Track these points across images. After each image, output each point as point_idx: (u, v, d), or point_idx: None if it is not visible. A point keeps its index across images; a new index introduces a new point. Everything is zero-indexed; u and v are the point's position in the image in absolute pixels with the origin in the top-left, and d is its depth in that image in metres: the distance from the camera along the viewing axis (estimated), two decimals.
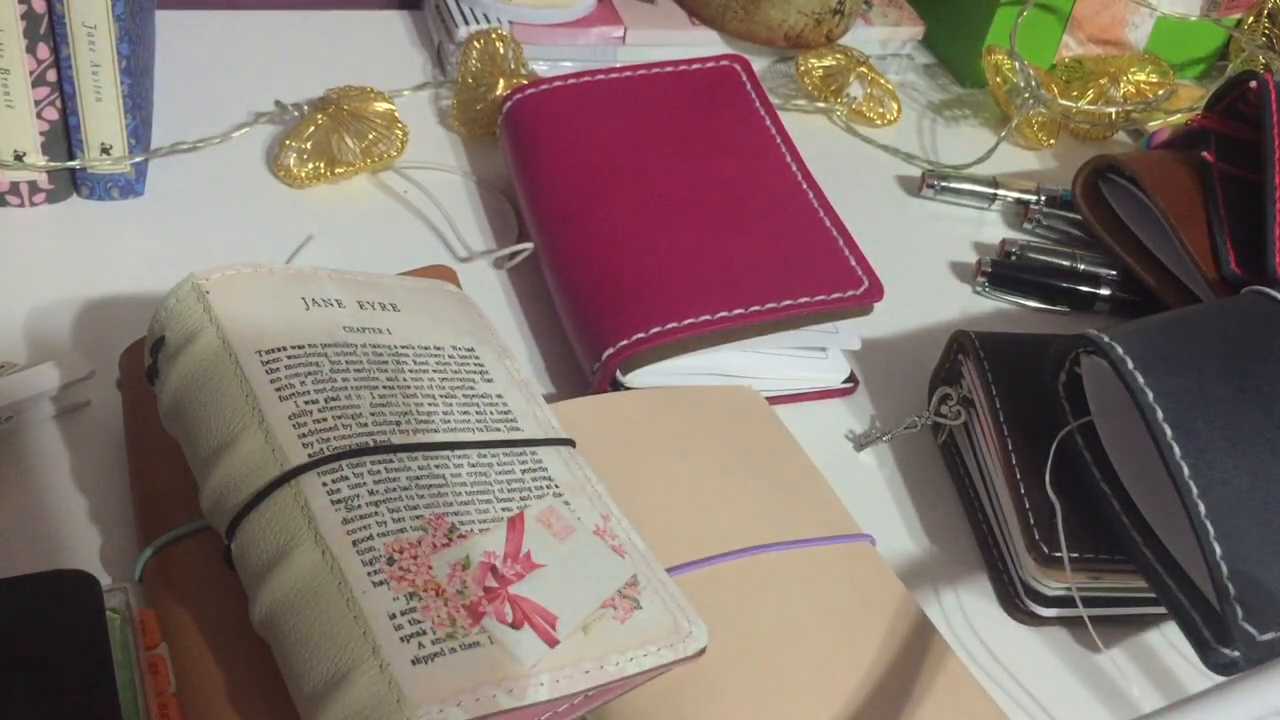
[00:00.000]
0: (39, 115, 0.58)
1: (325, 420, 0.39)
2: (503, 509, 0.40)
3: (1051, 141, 0.83)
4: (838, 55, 0.81)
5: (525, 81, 0.70)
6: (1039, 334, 0.58)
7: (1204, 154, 0.67)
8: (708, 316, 0.55)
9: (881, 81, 0.81)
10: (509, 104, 0.66)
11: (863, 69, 0.80)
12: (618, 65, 0.72)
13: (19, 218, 0.60)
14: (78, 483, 0.49)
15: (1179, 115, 0.81)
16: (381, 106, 0.67)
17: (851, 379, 0.61)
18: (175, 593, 0.41)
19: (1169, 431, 0.46)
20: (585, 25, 0.76)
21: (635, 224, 0.59)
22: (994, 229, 0.75)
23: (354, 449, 0.38)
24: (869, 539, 0.50)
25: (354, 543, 0.36)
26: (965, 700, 0.44)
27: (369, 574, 0.35)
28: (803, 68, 0.80)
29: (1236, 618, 0.44)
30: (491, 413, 0.44)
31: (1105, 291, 0.69)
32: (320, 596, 0.35)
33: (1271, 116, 0.65)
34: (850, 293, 0.58)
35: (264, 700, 0.38)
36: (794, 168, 0.64)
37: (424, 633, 0.34)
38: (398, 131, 0.67)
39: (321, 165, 0.65)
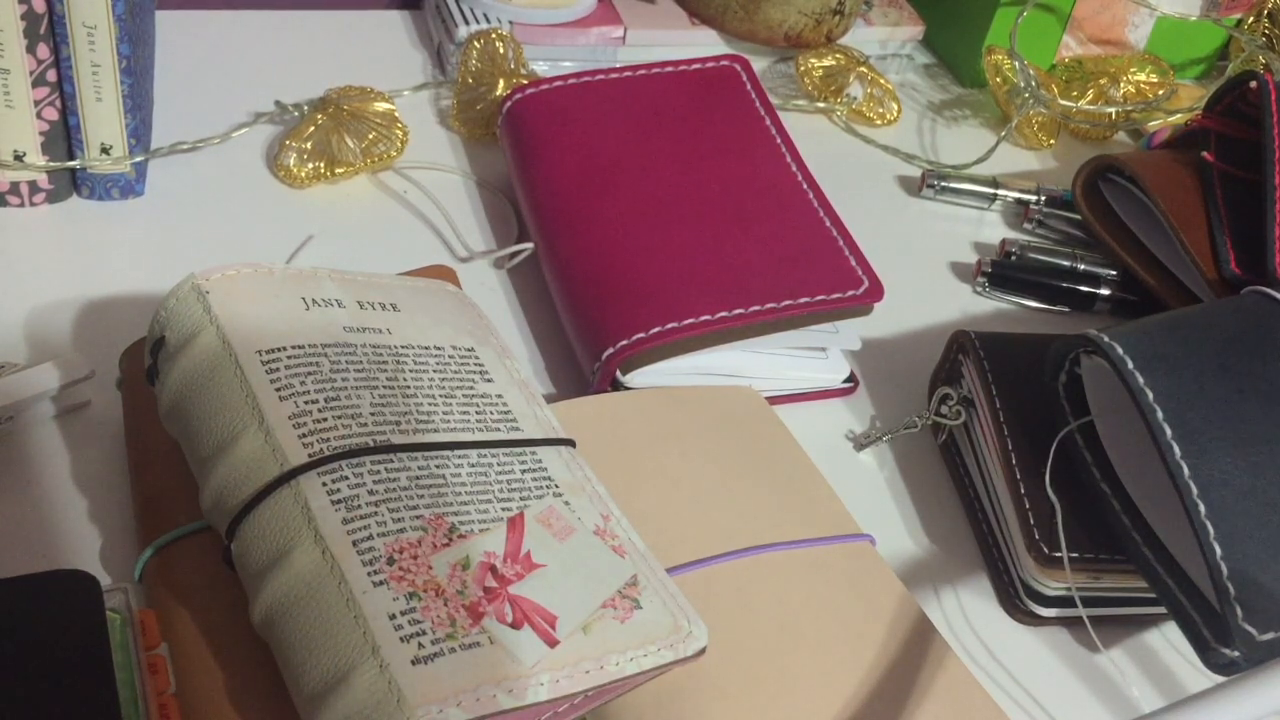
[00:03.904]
0: (39, 115, 0.58)
1: (325, 420, 0.39)
2: (503, 509, 0.40)
3: (1051, 141, 0.83)
4: (838, 55, 0.81)
5: (525, 81, 0.70)
6: (1039, 334, 0.58)
7: (1204, 154, 0.67)
8: (708, 316, 0.55)
9: (881, 81, 0.81)
10: (509, 104, 0.66)
11: (863, 69, 0.80)
12: (618, 65, 0.72)
13: (19, 218, 0.60)
14: (78, 483, 0.49)
15: (1179, 115, 0.81)
16: (381, 106, 0.67)
17: (851, 379, 0.61)
18: (175, 593, 0.41)
19: (1169, 431, 0.46)
20: (585, 25, 0.76)
21: (635, 224, 0.59)
22: (994, 229, 0.75)
23: (354, 449, 0.38)
24: (869, 539, 0.50)
25: (354, 543, 0.36)
26: (965, 700, 0.44)
27: (369, 574, 0.35)
28: (803, 68, 0.80)
29: (1236, 618, 0.44)
30: (491, 413, 0.44)
31: (1105, 291, 0.69)
32: (320, 596, 0.35)
33: (1271, 116, 0.65)
34: (850, 293, 0.58)
35: (264, 700, 0.38)
36: (794, 168, 0.64)
37: (424, 633, 0.34)
38: (398, 131, 0.67)
39: (321, 165, 0.65)
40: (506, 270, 0.64)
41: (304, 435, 0.38)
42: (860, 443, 0.59)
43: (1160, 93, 0.83)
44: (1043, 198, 0.75)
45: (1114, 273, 0.69)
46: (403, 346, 0.44)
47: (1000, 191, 0.75)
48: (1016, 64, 0.79)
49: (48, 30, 0.55)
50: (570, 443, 0.45)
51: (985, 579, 0.54)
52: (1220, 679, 0.41)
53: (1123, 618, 0.53)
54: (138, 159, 0.61)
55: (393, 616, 0.34)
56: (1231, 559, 0.44)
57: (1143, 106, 0.82)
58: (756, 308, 0.56)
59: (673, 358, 0.55)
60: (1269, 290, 0.53)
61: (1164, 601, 0.48)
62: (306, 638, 0.35)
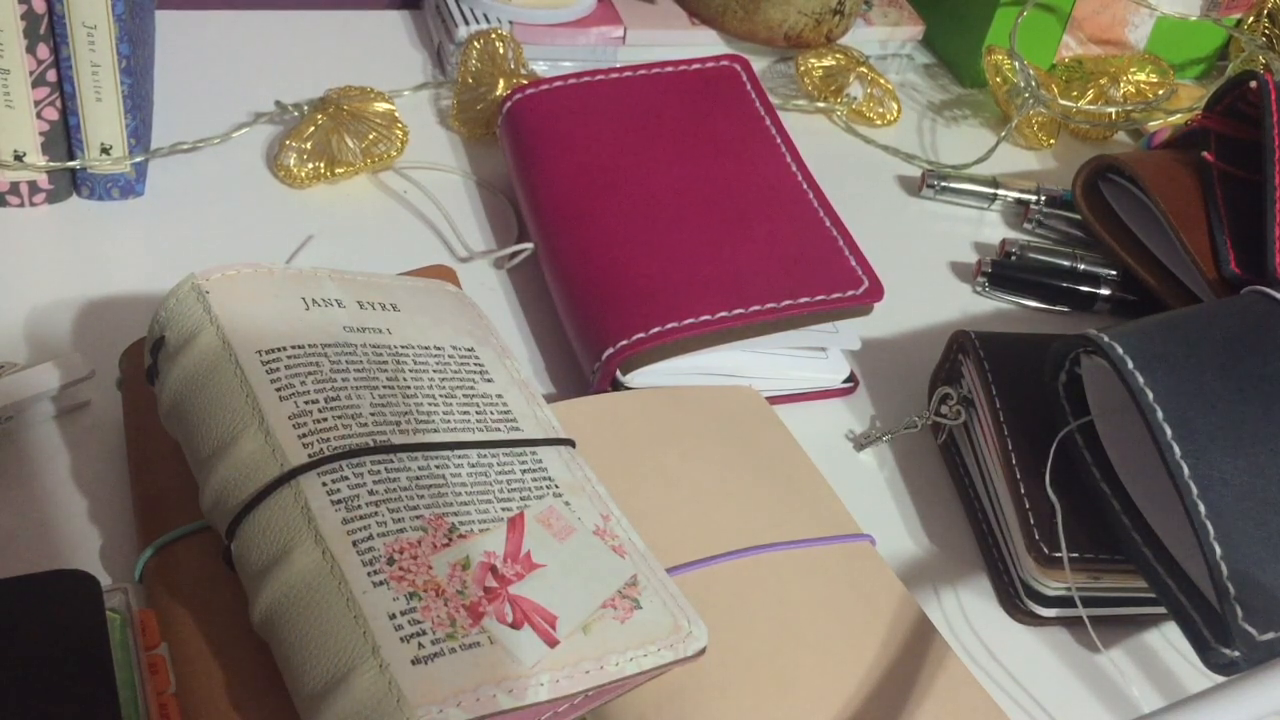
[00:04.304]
0: (39, 115, 0.58)
1: (325, 420, 0.39)
2: (503, 509, 0.40)
3: (1051, 141, 0.83)
4: (838, 55, 0.81)
5: (525, 81, 0.70)
6: (1039, 334, 0.58)
7: (1204, 154, 0.67)
8: (708, 316, 0.55)
9: (881, 81, 0.81)
10: (509, 104, 0.66)
11: (863, 69, 0.80)
12: (618, 65, 0.72)
13: (19, 218, 0.60)
14: (78, 483, 0.49)
15: (1179, 115, 0.81)
16: (381, 106, 0.67)
17: (851, 379, 0.61)
18: (175, 593, 0.41)
19: (1169, 431, 0.46)
20: (585, 25, 0.76)
21: (635, 224, 0.59)
22: (994, 229, 0.75)
23: (354, 449, 0.38)
24: (869, 539, 0.50)
25: (354, 543, 0.36)
26: (965, 700, 0.44)
27: (369, 574, 0.35)
28: (803, 68, 0.80)
29: (1236, 618, 0.44)
30: (491, 413, 0.44)
31: (1105, 291, 0.69)
32: (320, 596, 0.35)
33: (1271, 116, 0.65)
34: (850, 293, 0.58)
35: (264, 700, 0.38)
36: (794, 168, 0.64)
37: (424, 633, 0.34)
38: (398, 131, 0.67)
39: (321, 165, 0.65)
40: (506, 270, 0.64)
41: (304, 435, 0.38)
42: (860, 443, 0.59)
43: (1160, 93, 0.83)
44: (1043, 198, 0.75)
45: (1114, 273, 0.69)
46: (403, 346, 0.44)
47: (1000, 191, 0.75)
48: (1016, 64, 0.79)
49: (48, 30, 0.55)
50: (570, 443, 0.45)
51: (985, 579, 0.54)
52: (1220, 679, 0.41)
53: (1123, 618, 0.53)
54: (138, 159, 0.61)
55: (393, 616, 0.34)
56: (1231, 559, 0.44)
57: (1143, 106, 0.82)
58: (756, 308, 0.56)
59: (673, 358, 0.55)
60: (1269, 290, 0.53)
61: (1164, 601, 0.48)
62: (306, 638, 0.35)
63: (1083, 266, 0.69)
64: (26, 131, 0.58)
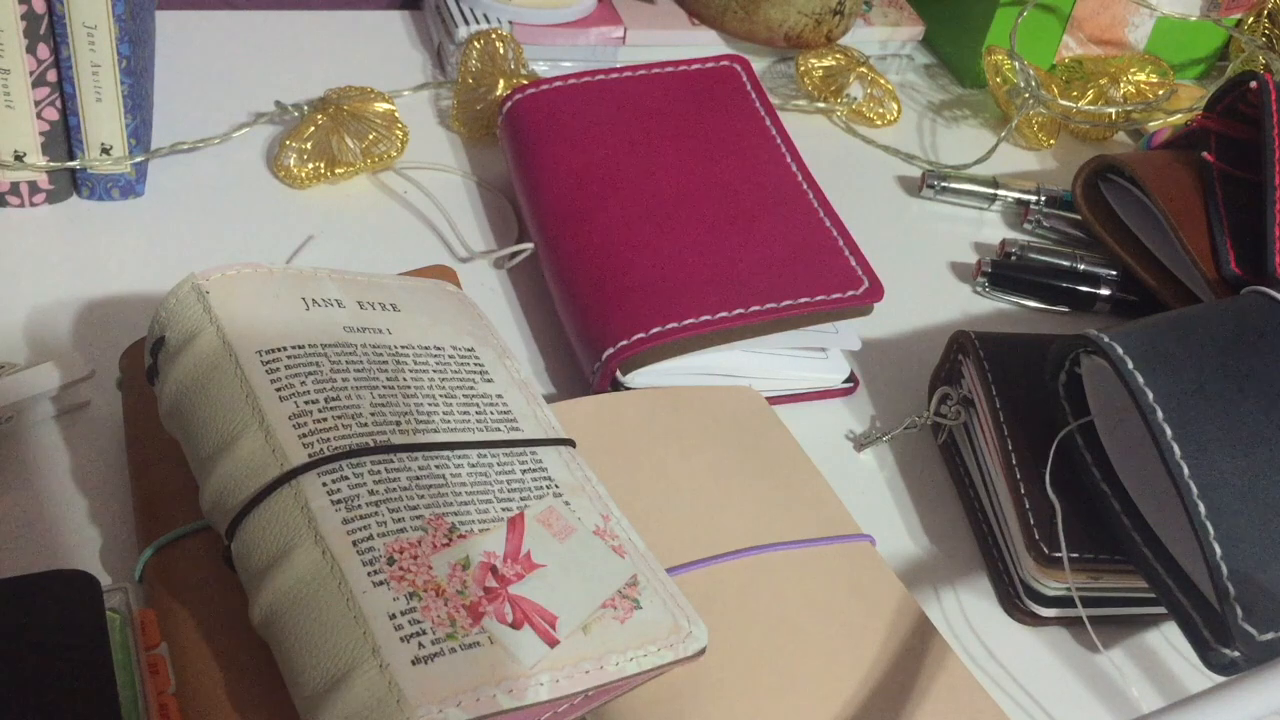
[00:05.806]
0: (39, 115, 0.58)
1: (325, 420, 0.39)
2: (503, 509, 0.40)
3: (1051, 141, 0.83)
4: (838, 55, 0.81)
5: (525, 81, 0.70)
6: (1039, 334, 0.58)
7: (1204, 154, 0.68)
8: (708, 316, 0.55)
9: (881, 81, 0.81)
10: (509, 104, 0.66)
11: (863, 69, 0.80)
12: (618, 65, 0.72)
13: (19, 218, 0.60)
14: (78, 483, 0.49)
15: (1179, 115, 0.81)
16: (381, 106, 0.67)
17: (851, 379, 0.61)
18: (175, 593, 0.41)
19: (1169, 431, 0.46)
20: (585, 25, 0.76)
21: (635, 224, 0.59)
22: (994, 229, 0.75)
23: (354, 449, 0.38)
24: (869, 539, 0.50)
25: (354, 543, 0.36)
26: (965, 700, 0.44)
27: (369, 574, 0.35)
28: (803, 68, 0.80)
29: (1236, 618, 0.44)
30: (491, 413, 0.44)
31: (1105, 291, 0.69)
32: (320, 596, 0.35)
33: (1271, 116, 0.65)
34: (850, 293, 0.58)
35: (264, 700, 0.38)
36: (794, 168, 0.64)
37: (424, 633, 0.34)
38: (398, 132, 0.67)
39: (321, 165, 0.65)
40: (506, 270, 0.64)
41: (304, 435, 0.38)
42: (860, 443, 0.59)
43: (1160, 93, 0.83)
44: (1043, 198, 0.75)
45: (1114, 273, 0.69)
46: (403, 346, 0.44)
47: (1000, 191, 0.75)
48: (1016, 64, 0.79)
49: (48, 30, 0.55)
50: (570, 443, 0.45)
51: (985, 579, 0.54)
52: (1220, 679, 0.41)
53: (1123, 618, 0.53)
54: (138, 159, 0.61)
55: (393, 616, 0.34)
56: (1231, 559, 0.44)
57: (1143, 106, 0.82)
58: (756, 308, 0.56)
59: (673, 358, 0.55)
60: (1269, 290, 0.53)
61: (1164, 601, 0.48)
62: (306, 638, 0.35)
63: (1083, 266, 0.69)
64: (26, 131, 0.58)
